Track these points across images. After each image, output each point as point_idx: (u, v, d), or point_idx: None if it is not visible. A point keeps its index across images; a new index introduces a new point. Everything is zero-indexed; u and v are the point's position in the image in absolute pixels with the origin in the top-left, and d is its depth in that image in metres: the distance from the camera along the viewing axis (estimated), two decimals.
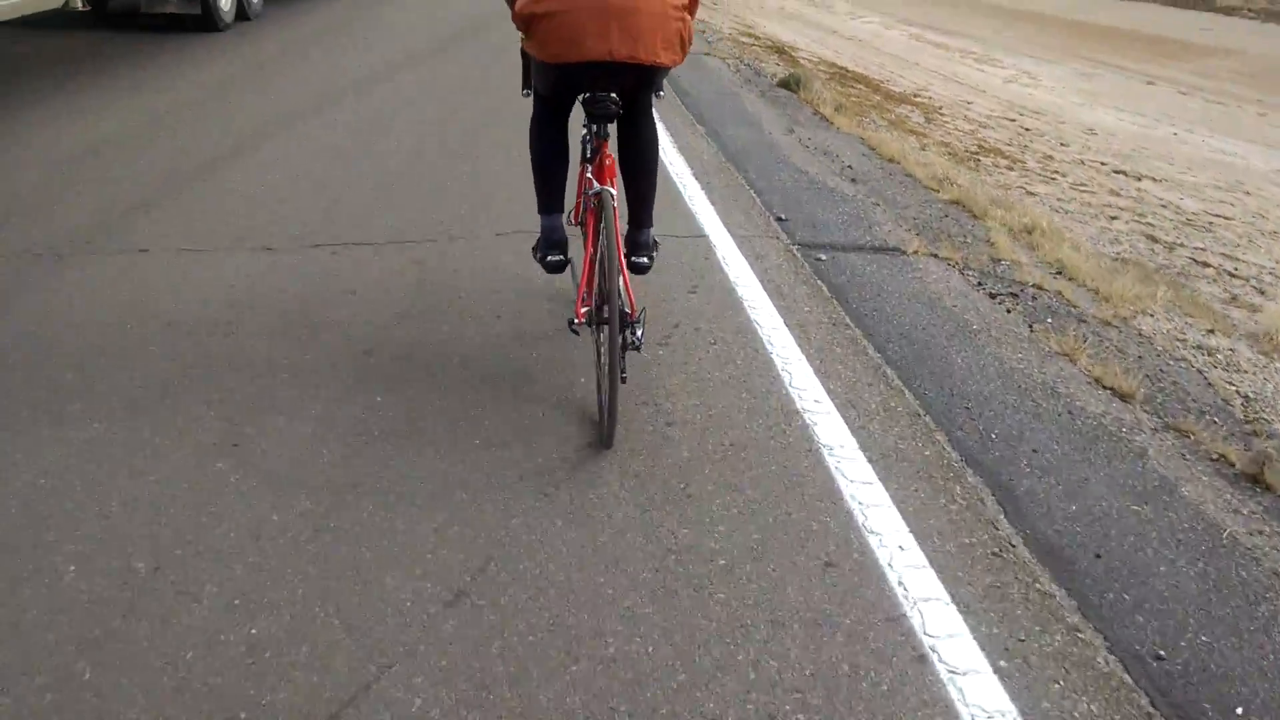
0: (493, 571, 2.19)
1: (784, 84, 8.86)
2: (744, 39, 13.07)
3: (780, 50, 12.48)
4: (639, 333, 2.63)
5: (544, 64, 2.61)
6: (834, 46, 16.05)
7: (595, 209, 2.64)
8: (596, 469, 2.60)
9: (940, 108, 11.20)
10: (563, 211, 3.02)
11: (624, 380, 2.64)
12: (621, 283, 2.60)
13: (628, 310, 2.62)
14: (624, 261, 2.83)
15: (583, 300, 2.68)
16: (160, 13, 8.94)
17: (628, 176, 2.91)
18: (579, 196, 3.13)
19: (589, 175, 2.81)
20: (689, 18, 2.62)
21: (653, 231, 3.05)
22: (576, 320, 2.67)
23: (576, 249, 3.06)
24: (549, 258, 2.98)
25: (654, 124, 2.90)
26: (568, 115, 2.90)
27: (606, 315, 2.52)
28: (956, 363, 3.42)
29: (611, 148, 2.75)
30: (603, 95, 2.57)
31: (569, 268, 3.11)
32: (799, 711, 1.87)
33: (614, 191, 2.63)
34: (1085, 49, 20.26)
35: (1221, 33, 24.32)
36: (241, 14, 9.92)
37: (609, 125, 2.70)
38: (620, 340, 2.54)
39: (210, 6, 9.01)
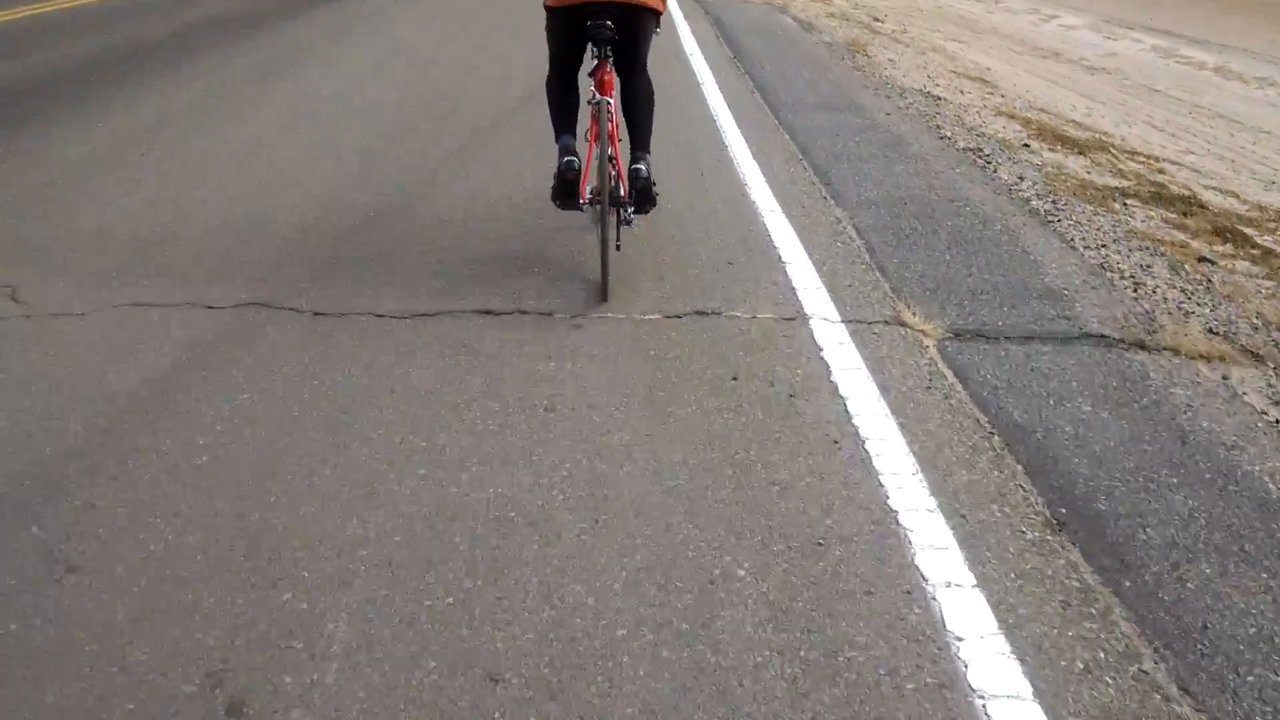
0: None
1: None
2: (1033, 135, 5.74)
3: (1154, 182, 5.09)
4: (629, 210, 3.52)
5: (555, 14, 3.32)
6: (1106, 99, 8.52)
7: (595, 115, 3.28)
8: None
9: None
10: (573, 132, 3.53)
11: (618, 248, 3.44)
12: (614, 172, 3.45)
13: (620, 194, 3.49)
14: (618, 155, 3.56)
15: (586, 187, 3.51)
16: None
17: (629, 121, 3.54)
18: (586, 167, 3.52)
19: (592, 88, 3.32)
20: None
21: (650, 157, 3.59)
22: (582, 201, 3.50)
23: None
24: (565, 159, 3.45)
25: (649, 80, 3.49)
26: (575, 72, 3.52)
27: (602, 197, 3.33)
28: None
29: (615, 87, 3.39)
30: (600, 22, 3.17)
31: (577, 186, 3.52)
32: None
33: (611, 100, 3.31)
34: None
35: None
36: None
37: (607, 48, 3.27)
38: (615, 216, 3.45)
39: None
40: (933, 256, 3.80)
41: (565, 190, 3.44)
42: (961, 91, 6.98)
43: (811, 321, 3.21)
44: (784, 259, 3.72)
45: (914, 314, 3.29)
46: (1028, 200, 4.52)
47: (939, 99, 6.49)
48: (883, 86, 6.94)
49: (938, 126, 5.79)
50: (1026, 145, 5.60)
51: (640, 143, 3.55)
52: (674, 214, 4.06)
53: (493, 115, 5.76)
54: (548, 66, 3.54)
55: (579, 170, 3.44)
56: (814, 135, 5.51)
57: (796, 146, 5.30)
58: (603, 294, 3.34)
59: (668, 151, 4.69)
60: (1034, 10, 15.50)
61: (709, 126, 5.58)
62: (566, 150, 3.46)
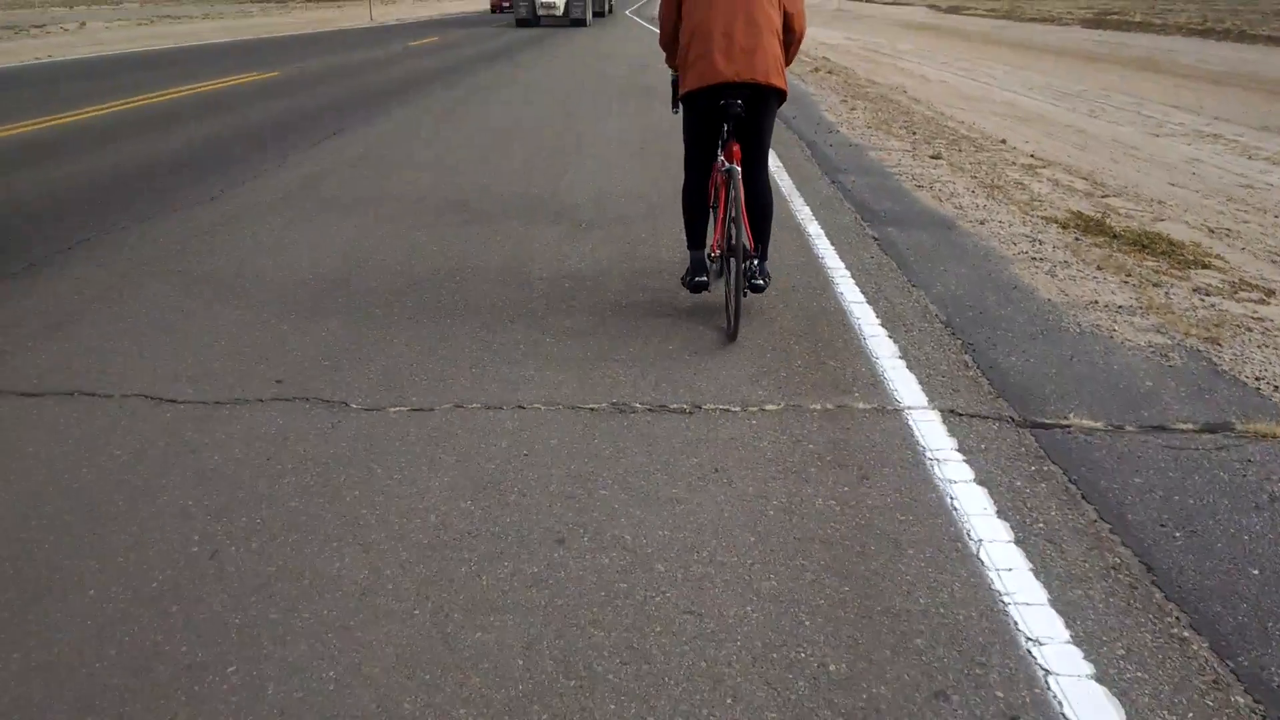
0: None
1: None
2: None
3: None
4: (754, 263, 4.09)
5: (692, 97, 3.96)
6: None
7: (725, 180, 3.94)
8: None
9: None
10: (704, 248, 4.24)
11: (746, 294, 4.03)
12: (742, 229, 3.92)
13: (747, 247, 4.01)
14: (745, 215, 3.98)
15: (716, 243, 4.17)
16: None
17: (751, 219, 4.09)
18: (717, 235, 4.21)
19: (721, 157, 4.05)
20: (787, 54, 4.04)
21: (768, 264, 4.31)
22: (713, 254, 4.20)
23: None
24: (695, 279, 4.18)
25: (769, 178, 4.21)
26: (708, 180, 4.19)
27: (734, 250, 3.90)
28: None
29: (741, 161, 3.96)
30: (731, 100, 3.82)
31: (708, 289, 4.27)
32: None
33: (738, 169, 3.88)
34: None
35: None
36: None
37: (735, 124, 3.91)
38: (742, 268, 3.93)
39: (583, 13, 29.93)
40: None
41: (694, 289, 4.19)
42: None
43: None
44: None
45: None
46: None
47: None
48: None
49: None
50: None
51: (762, 252, 4.19)
52: None
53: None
54: (683, 175, 4.19)
55: (706, 287, 4.19)
56: None
57: None
58: (732, 335, 3.95)
59: None
60: (1213, 138, 9.39)
61: None
62: (697, 268, 4.18)
